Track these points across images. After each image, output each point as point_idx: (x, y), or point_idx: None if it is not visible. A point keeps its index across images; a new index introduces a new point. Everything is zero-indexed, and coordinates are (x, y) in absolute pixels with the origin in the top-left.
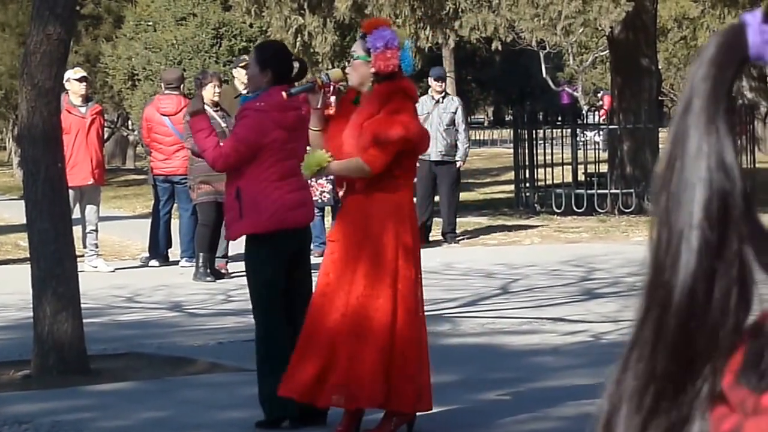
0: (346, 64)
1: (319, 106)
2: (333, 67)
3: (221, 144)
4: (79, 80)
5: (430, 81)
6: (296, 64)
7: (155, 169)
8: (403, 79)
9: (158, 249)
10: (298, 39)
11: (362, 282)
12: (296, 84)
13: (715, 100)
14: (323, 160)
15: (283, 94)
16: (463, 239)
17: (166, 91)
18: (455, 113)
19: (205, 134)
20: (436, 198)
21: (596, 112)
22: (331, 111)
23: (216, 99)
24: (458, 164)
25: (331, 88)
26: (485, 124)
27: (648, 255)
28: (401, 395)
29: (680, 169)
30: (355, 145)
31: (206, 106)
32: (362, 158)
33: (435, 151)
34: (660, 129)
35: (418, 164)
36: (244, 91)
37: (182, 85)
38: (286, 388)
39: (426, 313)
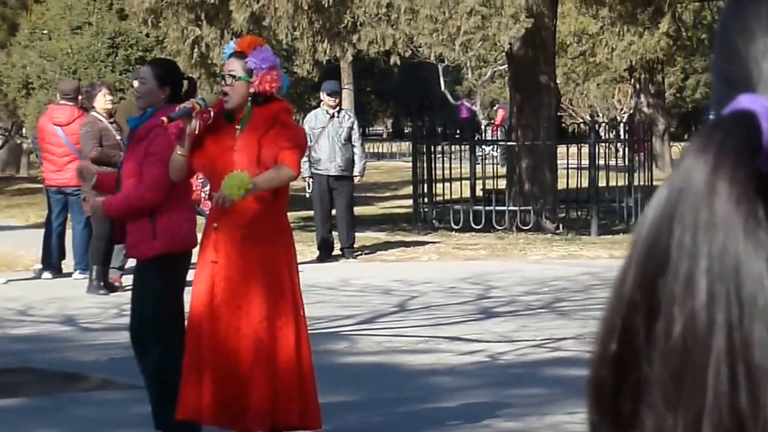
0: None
1: (195, 132)
2: None
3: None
4: None
5: (323, 95)
6: (185, 82)
7: (47, 180)
8: (282, 99)
9: (51, 260)
10: (195, 50)
11: (263, 304)
12: (177, 107)
13: (755, 222)
14: (246, 179)
15: (163, 119)
16: (361, 254)
17: (61, 102)
18: (351, 128)
19: (120, 198)
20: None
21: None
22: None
23: (108, 107)
24: (356, 179)
25: (211, 113)
26: (384, 136)
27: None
28: (294, 413)
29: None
30: (252, 161)
31: (98, 116)
32: (285, 163)
33: (334, 165)
34: (558, 146)
35: (314, 180)
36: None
37: (78, 96)
38: (185, 411)
39: (322, 330)
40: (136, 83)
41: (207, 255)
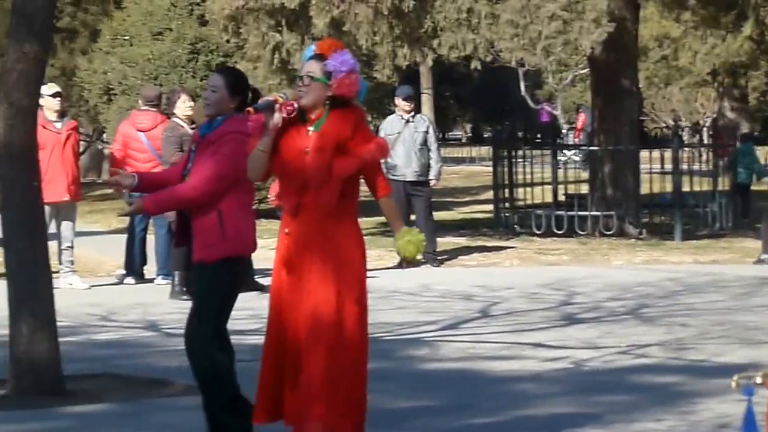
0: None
1: (278, 126)
2: None
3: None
4: (53, 96)
5: (398, 100)
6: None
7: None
8: (359, 106)
9: (134, 266)
10: (276, 56)
11: (333, 308)
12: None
13: None
14: (422, 240)
15: (249, 109)
16: (442, 259)
17: (144, 107)
18: (427, 132)
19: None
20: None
21: (570, 132)
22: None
23: (189, 113)
24: (432, 183)
25: (294, 106)
26: (463, 140)
27: None
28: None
29: None
30: (323, 167)
31: (180, 122)
32: (382, 192)
33: (410, 171)
34: (641, 150)
35: (391, 186)
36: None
37: (161, 103)
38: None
39: (404, 336)
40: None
41: (280, 260)
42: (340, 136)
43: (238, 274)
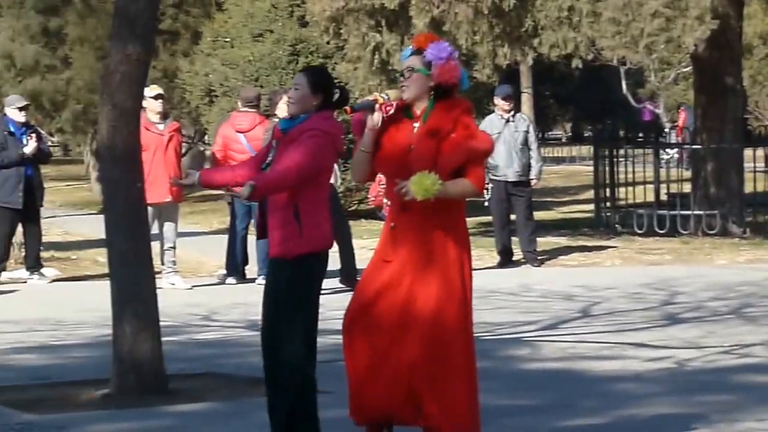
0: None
1: (377, 126)
2: None
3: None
4: (155, 98)
5: (497, 100)
6: (336, 91)
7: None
8: (462, 96)
9: (235, 266)
10: (376, 56)
11: (435, 305)
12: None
13: None
14: (436, 183)
15: (347, 109)
16: (542, 259)
17: (243, 109)
18: (527, 132)
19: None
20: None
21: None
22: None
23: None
24: (533, 183)
25: (393, 106)
26: (563, 140)
27: None
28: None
29: None
30: (427, 165)
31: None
32: (471, 180)
33: (511, 171)
34: (745, 149)
35: (492, 185)
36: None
37: (260, 104)
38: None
39: (504, 336)
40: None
41: (383, 254)
42: (444, 128)
43: (317, 271)
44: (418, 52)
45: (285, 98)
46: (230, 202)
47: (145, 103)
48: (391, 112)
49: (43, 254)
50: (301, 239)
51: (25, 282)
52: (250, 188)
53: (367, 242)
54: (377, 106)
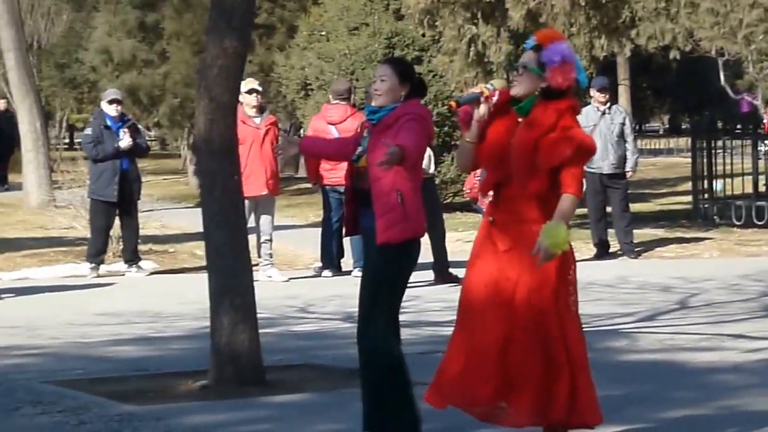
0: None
1: (483, 118)
2: (508, 79)
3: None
4: (249, 92)
5: (593, 92)
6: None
7: (324, 179)
8: (573, 96)
9: (331, 259)
10: (471, 49)
11: (534, 295)
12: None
13: None
14: (565, 235)
15: (452, 103)
16: (639, 251)
17: (334, 101)
18: (623, 124)
19: None
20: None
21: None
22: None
23: None
24: (628, 174)
25: (497, 97)
26: (660, 132)
27: None
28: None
29: None
30: (525, 162)
31: None
32: (568, 190)
33: (607, 163)
34: None
35: (587, 178)
36: (374, 104)
37: (351, 96)
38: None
39: (601, 328)
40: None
41: (482, 247)
42: (544, 124)
43: (416, 256)
44: (537, 48)
45: None
46: (325, 195)
47: (241, 98)
48: (494, 100)
49: (141, 247)
50: (406, 224)
51: (124, 275)
52: (399, 151)
53: (462, 234)
54: (482, 98)
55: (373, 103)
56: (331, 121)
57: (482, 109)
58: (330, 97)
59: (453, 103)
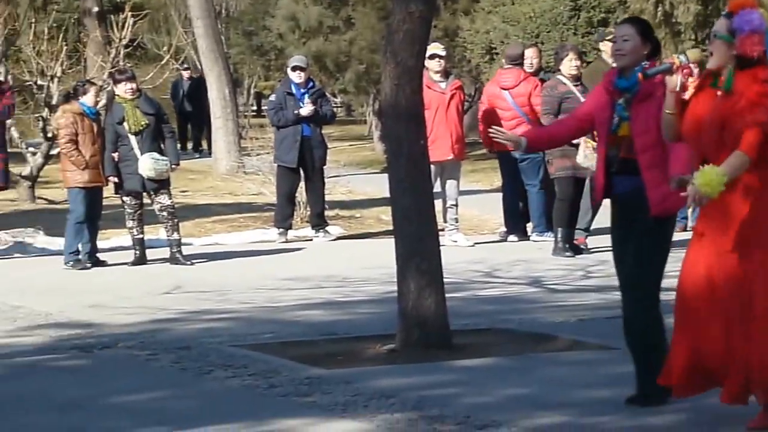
0: (707, 39)
1: (677, 89)
2: (695, 40)
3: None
4: (430, 57)
5: None
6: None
7: (495, 145)
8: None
9: (515, 223)
10: (659, 9)
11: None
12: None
13: None
14: (722, 178)
15: (640, 75)
16: None
17: (507, 66)
18: None
19: None
20: None
21: None
22: (686, 94)
23: (573, 72)
24: None
25: (692, 70)
26: None
27: None
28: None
29: None
30: (714, 136)
31: (563, 79)
32: (741, 147)
33: None
34: None
35: None
36: (614, 64)
37: (524, 61)
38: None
39: None
40: (602, 45)
41: (695, 228)
42: (743, 93)
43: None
44: (729, 15)
45: (571, 55)
46: (501, 161)
47: (426, 63)
48: (691, 77)
49: (328, 213)
50: (677, 195)
51: (311, 240)
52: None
53: None
54: (674, 68)
55: (616, 64)
56: (505, 86)
57: (674, 79)
58: (504, 62)
59: (641, 75)
